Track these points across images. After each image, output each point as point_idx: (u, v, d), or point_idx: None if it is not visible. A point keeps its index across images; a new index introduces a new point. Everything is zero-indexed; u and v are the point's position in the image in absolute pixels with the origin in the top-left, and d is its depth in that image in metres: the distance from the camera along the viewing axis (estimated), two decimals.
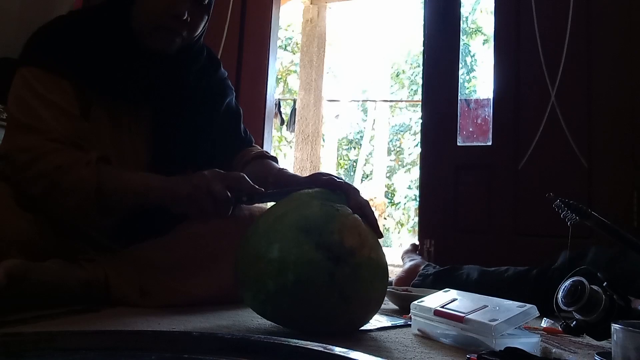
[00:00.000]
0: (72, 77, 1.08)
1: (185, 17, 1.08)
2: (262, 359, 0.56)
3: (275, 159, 1.28)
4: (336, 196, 0.93)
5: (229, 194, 1.00)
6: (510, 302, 0.87)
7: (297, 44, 10.22)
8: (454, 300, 0.92)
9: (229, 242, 1.15)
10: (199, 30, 1.17)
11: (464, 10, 2.43)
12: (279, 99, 7.38)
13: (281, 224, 0.85)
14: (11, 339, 0.57)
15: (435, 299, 0.94)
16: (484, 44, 10.29)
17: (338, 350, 0.54)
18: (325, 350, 0.54)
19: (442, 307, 0.88)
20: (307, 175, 1.09)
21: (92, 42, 1.10)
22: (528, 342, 0.80)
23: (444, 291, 0.98)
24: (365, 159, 11.82)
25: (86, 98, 1.10)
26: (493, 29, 2.29)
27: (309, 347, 0.55)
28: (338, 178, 1.01)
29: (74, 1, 2.35)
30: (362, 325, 0.92)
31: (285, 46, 11.14)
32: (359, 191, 0.97)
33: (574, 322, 0.80)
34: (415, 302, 0.95)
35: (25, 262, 0.91)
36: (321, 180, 0.99)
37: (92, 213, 1.03)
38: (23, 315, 0.84)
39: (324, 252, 0.81)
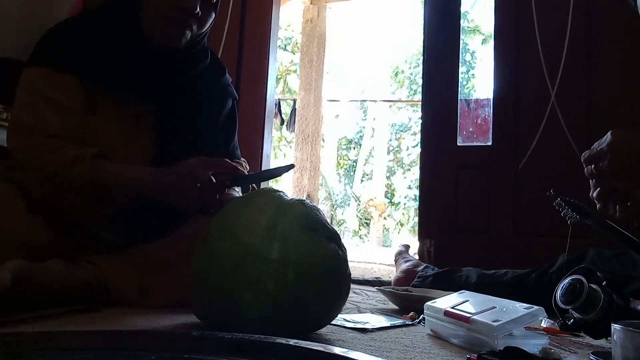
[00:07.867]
0: (78, 71, 1.09)
1: (196, 11, 1.10)
2: (262, 359, 0.56)
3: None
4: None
5: (212, 178, 1.04)
6: (520, 304, 0.87)
7: (297, 44, 10.21)
8: (465, 301, 0.92)
9: None
10: (207, 26, 1.19)
11: (464, 9, 2.42)
12: (279, 99, 7.38)
13: (290, 230, 0.79)
14: (11, 339, 0.57)
15: (448, 300, 0.94)
16: (482, 43, 10.28)
17: (338, 350, 0.53)
18: (325, 350, 0.54)
19: (452, 307, 0.89)
20: (182, 167, 1.08)
21: (100, 37, 1.12)
22: (535, 344, 0.79)
23: (459, 293, 0.99)
24: (365, 159, 11.81)
25: (93, 93, 1.11)
26: (493, 29, 2.29)
27: (309, 347, 0.55)
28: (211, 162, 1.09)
29: (74, 1, 2.35)
30: None
31: (285, 46, 11.12)
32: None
33: (571, 320, 0.79)
34: (429, 302, 0.95)
35: (27, 262, 0.91)
36: (227, 167, 1.10)
37: (93, 206, 1.08)
38: (23, 315, 0.84)
39: (334, 243, 0.83)
